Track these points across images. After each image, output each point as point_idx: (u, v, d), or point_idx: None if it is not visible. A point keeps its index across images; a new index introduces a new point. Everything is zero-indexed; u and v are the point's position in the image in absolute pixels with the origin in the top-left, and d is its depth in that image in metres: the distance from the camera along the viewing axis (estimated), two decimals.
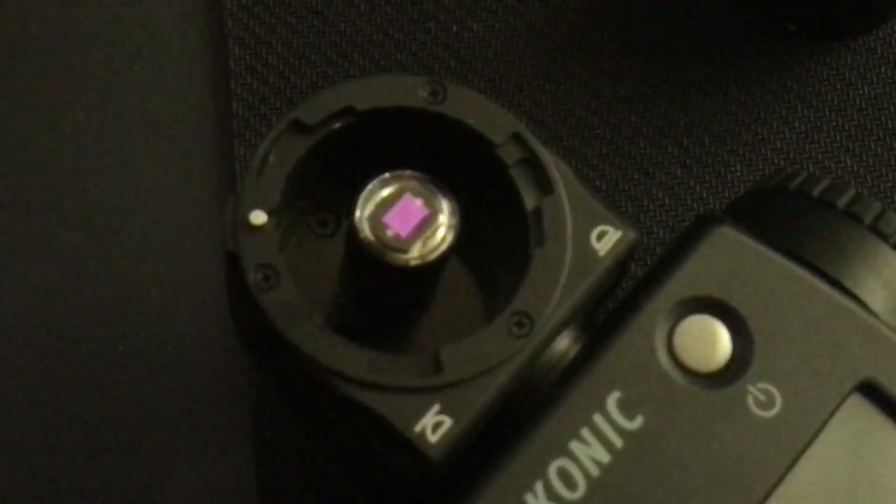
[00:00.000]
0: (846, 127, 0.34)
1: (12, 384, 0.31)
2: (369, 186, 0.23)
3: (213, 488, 0.30)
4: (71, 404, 0.30)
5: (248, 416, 0.30)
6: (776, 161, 0.33)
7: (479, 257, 0.25)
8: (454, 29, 0.34)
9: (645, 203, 0.33)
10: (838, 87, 0.34)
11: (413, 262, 0.23)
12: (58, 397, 0.31)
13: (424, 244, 0.23)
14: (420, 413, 0.22)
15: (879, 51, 0.34)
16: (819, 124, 0.34)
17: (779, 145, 0.33)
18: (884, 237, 0.25)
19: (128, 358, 0.31)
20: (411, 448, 0.22)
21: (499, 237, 0.25)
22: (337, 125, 0.24)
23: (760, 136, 0.33)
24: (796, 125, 0.34)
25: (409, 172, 0.23)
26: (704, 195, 0.33)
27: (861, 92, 0.34)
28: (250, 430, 0.30)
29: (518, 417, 0.23)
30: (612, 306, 0.25)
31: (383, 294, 0.24)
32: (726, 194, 0.33)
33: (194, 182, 0.33)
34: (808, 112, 0.34)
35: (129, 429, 0.30)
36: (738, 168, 0.33)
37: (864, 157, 0.33)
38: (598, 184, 0.33)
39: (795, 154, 0.33)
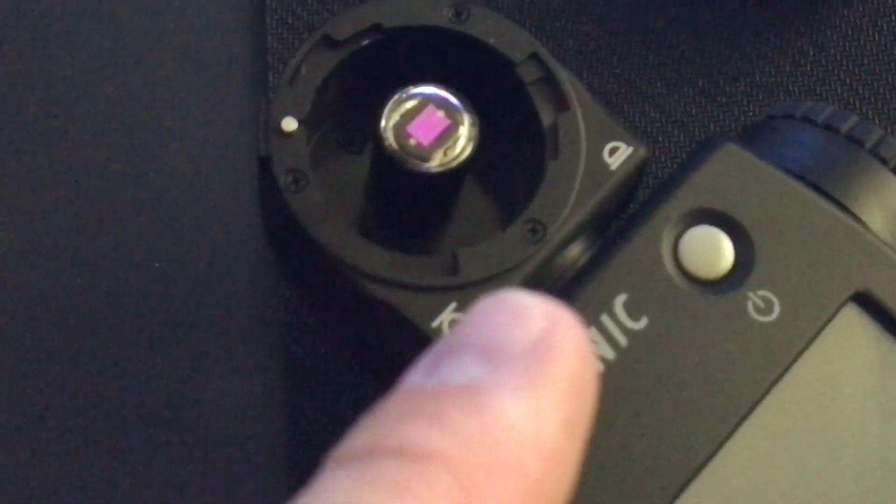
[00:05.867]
0: (857, 72, 0.35)
1: (52, 298, 0.32)
2: (394, 98, 0.24)
3: (241, 400, 0.31)
4: (106, 317, 0.32)
5: (277, 329, 0.32)
6: None
7: (497, 172, 0.27)
8: None
9: (661, 139, 0.34)
10: (850, 33, 0.35)
11: (434, 170, 0.24)
12: (93, 311, 0.32)
13: (445, 153, 0.24)
14: (438, 310, 0.24)
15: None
16: (830, 69, 0.35)
17: (790, 88, 0.34)
18: (884, 161, 0.26)
19: (163, 273, 0.32)
20: (429, 343, 0.24)
21: (516, 152, 0.26)
22: (365, 41, 0.25)
23: (773, 79, 0.35)
24: (808, 68, 0.35)
25: (432, 86, 0.24)
26: (718, 133, 0.34)
27: (872, 38, 0.35)
28: (279, 344, 0.32)
29: None
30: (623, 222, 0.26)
31: (406, 203, 0.26)
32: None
33: (229, 114, 0.34)
34: (820, 56, 0.35)
35: (161, 341, 0.32)
36: (751, 108, 0.34)
37: (875, 101, 0.34)
38: None
39: (807, 97, 0.34)
